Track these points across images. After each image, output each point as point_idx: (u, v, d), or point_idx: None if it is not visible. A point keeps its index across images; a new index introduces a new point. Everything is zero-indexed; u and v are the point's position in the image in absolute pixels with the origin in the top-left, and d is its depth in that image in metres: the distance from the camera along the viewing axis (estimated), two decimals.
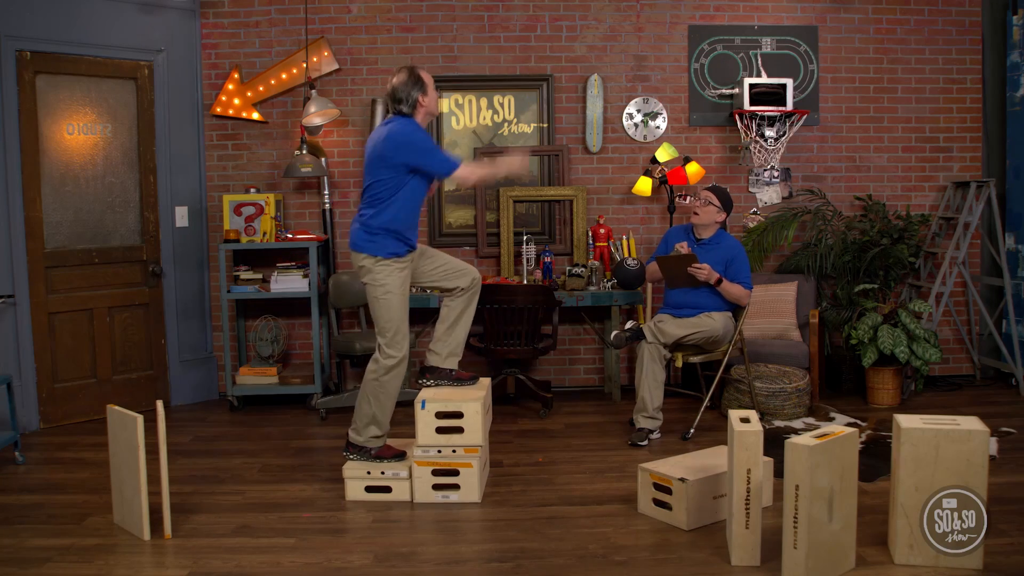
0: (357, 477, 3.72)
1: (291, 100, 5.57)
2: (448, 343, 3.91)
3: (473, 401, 3.68)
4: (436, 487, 3.68)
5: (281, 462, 4.29)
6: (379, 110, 5.46)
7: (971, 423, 2.96)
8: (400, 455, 3.78)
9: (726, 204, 4.69)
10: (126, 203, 5.24)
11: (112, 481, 3.48)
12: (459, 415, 3.67)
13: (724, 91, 5.66)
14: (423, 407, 3.66)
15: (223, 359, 5.32)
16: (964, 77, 5.73)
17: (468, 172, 3.82)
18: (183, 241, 5.46)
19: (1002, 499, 3.50)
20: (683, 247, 4.60)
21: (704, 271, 4.46)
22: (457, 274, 3.88)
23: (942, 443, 2.91)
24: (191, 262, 5.51)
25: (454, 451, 3.67)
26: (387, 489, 3.71)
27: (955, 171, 5.78)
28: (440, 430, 3.67)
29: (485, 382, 3.97)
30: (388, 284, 3.69)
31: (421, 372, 3.94)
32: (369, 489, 3.72)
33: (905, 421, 3.00)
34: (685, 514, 3.32)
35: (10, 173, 4.73)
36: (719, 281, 4.50)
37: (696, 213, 4.68)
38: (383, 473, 3.70)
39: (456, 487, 3.67)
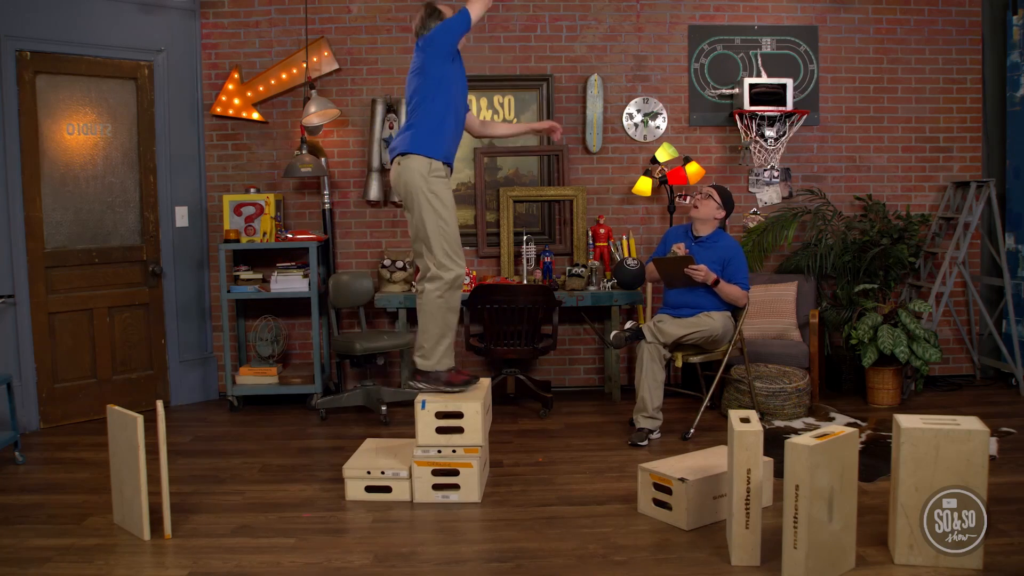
0: (357, 477, 3.72)
1: (291, 100, 5.57)
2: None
3: (473, 401, 3.67)
4: (436, 487, 3.68)
5: (281, 462, 4.29)
6: (379, 110, 5.46)
7: (971, 423, 2.96)
8: (471, 380, 3.77)
9: (727, 203, 4.69)
10: (126, 203, 5.24)
11: (112, 481, 3.48)
12: (459, 415, 3.67)
13: (724, 91, 5.66)
14: (423, 407, 3.66)
15: (223, 359, 5.32)
16: (964, 77, 5.73)
17: (478, 5, 3.64)
18: (183, 241, 5.46)
19: (1002, 499, 3.50)
20: (680, 248, 4.60)
21: (701, 272, 4.46)
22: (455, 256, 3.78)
23: (942, 443, 2.90)
24: (191, 262, 5.51)
25: (454, 451, 3.67)
26: (387, 489, 3.71)
27: (955, 171, 5.78)
28: (440, 430, 3.67)
29: (485, 382, 3.96)
30: (443, 197, 3.60)
31: (411, 375, 3.91)
32: (369, 489, 3.72)
33: (905, 421, 3.00)
34: (685, 514, 3.32)
35: (10, 173, 4.73)
36: (716, 282, 4.50)
37: (696, 207, 4.68)
38: (383, 473, 3.70)
39: (456, 487, 3.67)
